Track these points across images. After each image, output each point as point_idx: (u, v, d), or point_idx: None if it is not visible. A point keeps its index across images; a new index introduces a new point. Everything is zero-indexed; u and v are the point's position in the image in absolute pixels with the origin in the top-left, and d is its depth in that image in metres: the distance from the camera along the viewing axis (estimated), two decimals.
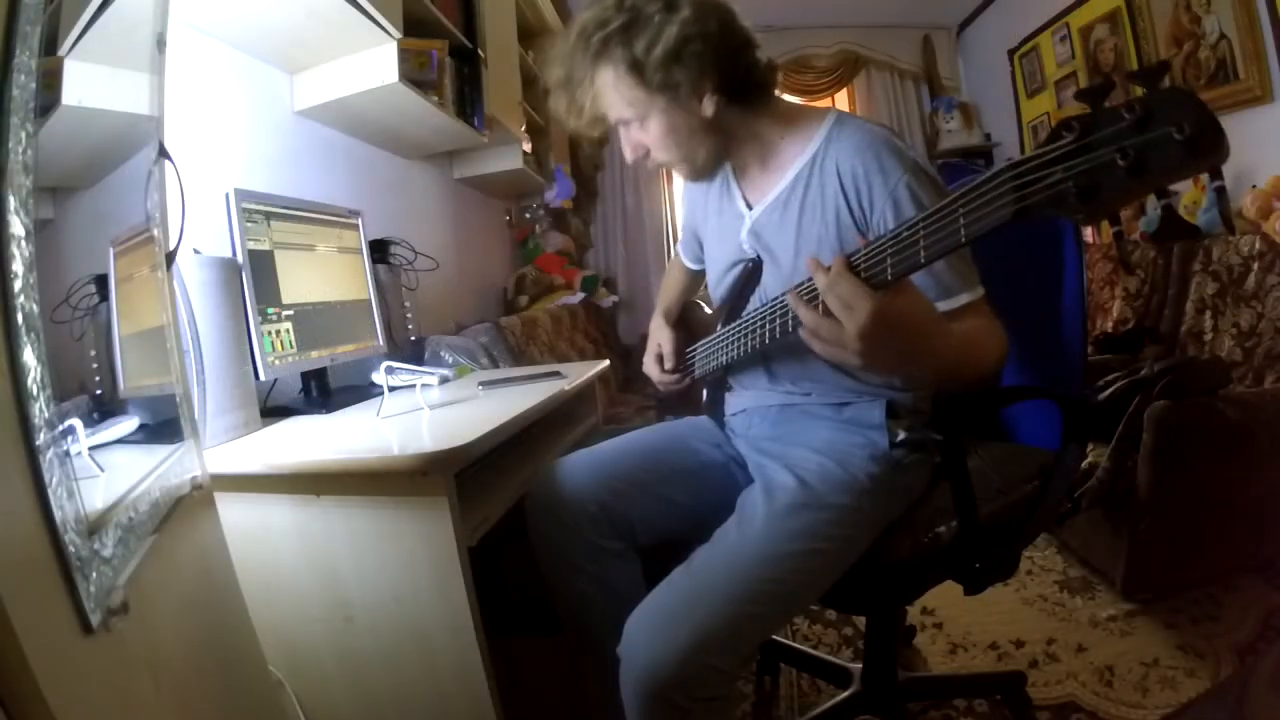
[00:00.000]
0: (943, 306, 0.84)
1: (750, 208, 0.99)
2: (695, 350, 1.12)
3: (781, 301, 0.82)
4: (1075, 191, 0.44)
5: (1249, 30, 2.14)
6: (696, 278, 1.25)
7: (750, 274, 0.99)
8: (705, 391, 1.14)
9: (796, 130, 0.95)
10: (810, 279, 0.69)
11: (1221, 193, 1.87)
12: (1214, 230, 2.07)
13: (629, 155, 0.96)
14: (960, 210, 0.54)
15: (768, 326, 0.86)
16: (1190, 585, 1.50)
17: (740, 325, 0.94)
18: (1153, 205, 2.34)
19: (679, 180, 4.49)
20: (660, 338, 1.16)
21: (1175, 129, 0.40)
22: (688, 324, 1.20)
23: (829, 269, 0.65)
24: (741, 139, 0.96)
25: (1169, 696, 1.19)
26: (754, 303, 1.00)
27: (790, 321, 0.80)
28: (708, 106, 0.89)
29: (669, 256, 3.96)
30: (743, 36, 0.90)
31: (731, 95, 0.90)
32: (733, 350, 0.97)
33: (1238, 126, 2.12)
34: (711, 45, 0.85)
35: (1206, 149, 0.39)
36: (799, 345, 0.76)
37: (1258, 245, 1.86)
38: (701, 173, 0.99)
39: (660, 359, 1.15)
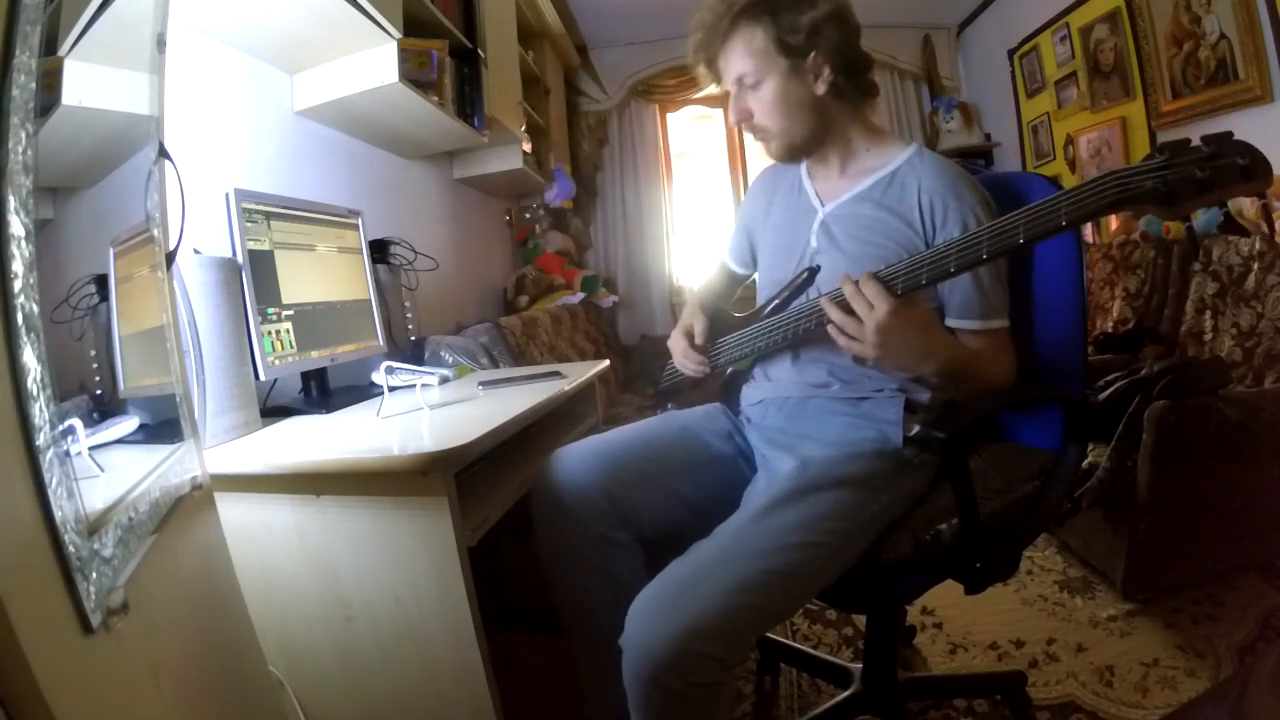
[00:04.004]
0: (976, 325, 0.92)
1: (823, 204, 1.04)
2: (723, 343, 1.13)
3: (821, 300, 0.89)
4: (1164, 193, 0.61)
5: (1249, 30, 2.14)
6: (734, 281, 1.27)
7: (804, 281, 1.02)
8: (724, 380, 1.15)
9: (880, 145, 1.02)
10: (838, 289, 0.83)
11: (1266, 209, 1.96)
12: (1210, 232, 2.08)
13: (733, 117, 1.02)
14: (1064, 204, 0.67)
15: (803, 323, 0.94)
16: (1190, 585, 1.50)
17: (779, 319, 0.99)
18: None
19: (677, 179, 4.42)
20: (692, 318, 1.17)
21: (1239, 157, 0.58)
22: (713, 325, 1.21)
23: (857, 280, 0.80)
24: (833, 135, 1.01)
25: (1169, 696, 1.19)
26: (799, 303, 1.02)
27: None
28: (821, 85, 0.97)
29: (669, 257, 3.97)
30: (858, 31, 0.99)
31: (843, 85, 0.98)
32: (765, 340, 1.01)
33: (1237, 126, 2.09)
34: (844, 31, 0.96)
35: (1260, 174, 0.58)
36: (829, 338, 0.84)
37: (1258, 245, 1.86)
38: (795, 151, 1.02)
39: (688, 336, 1.15)
